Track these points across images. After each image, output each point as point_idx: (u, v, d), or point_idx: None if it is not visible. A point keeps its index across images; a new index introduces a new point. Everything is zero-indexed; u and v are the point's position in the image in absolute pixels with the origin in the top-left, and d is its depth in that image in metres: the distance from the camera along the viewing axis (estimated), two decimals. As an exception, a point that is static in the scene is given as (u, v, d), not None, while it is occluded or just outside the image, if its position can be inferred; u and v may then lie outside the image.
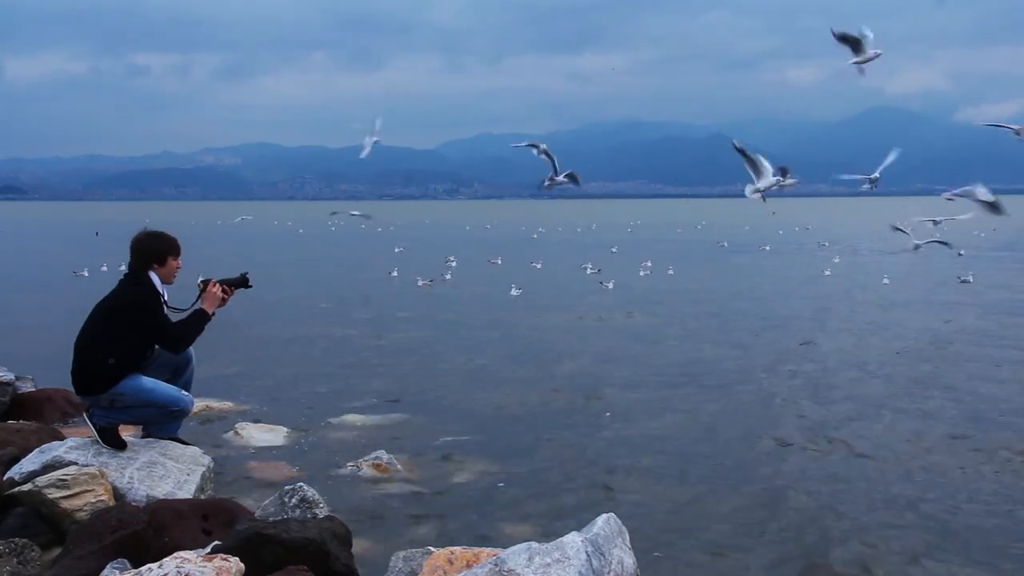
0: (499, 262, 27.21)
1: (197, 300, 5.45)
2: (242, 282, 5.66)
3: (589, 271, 23.43)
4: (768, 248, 34.59)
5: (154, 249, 5.35)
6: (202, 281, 5.47)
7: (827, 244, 36.73)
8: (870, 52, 5.64)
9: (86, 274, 22.72)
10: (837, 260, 27.09)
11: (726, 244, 37.43)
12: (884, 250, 33.02)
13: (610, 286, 19.79)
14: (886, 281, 20.14)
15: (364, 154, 8.25)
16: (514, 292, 18.56)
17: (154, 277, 5.29)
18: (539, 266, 25.55)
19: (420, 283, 20.44)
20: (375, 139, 8.16)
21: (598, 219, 74.12)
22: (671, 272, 23.56)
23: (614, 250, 32.49)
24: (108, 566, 3.84)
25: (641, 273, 23.50)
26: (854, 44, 5.68)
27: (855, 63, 5.74)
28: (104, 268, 23.28)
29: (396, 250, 33.14)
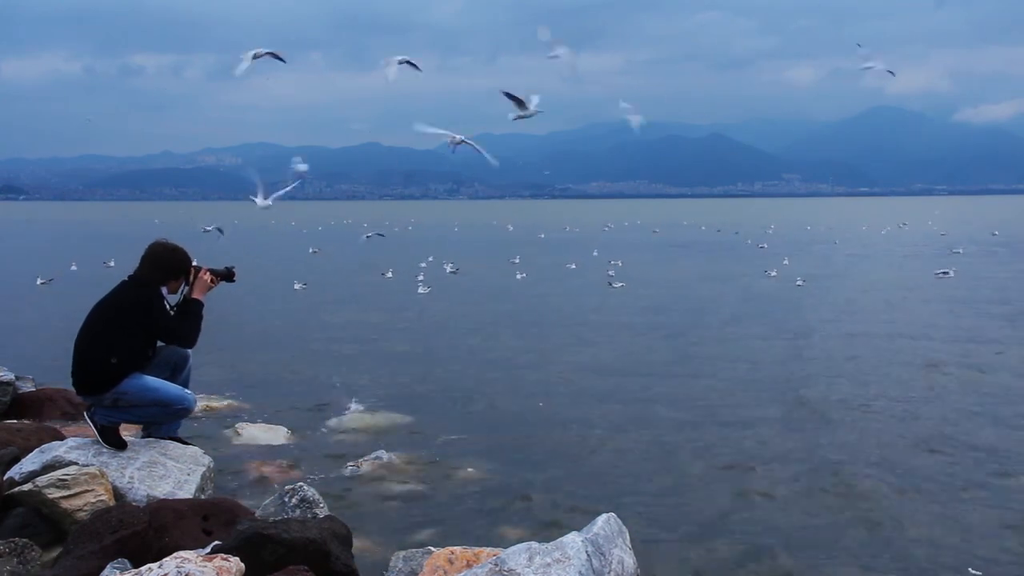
0: (517, 260, 27.27)
1: (185, 288, 5.44)
2: (227, 275, 5.67)
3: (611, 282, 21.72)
4: (765, 246, 34.83)
5: (171, 268, 5.36)
6: (192, 267, 5.46)
7: (837, 242, 37.83)
8: None
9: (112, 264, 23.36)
10: (786, 262, 26.14)
11: (765, 246, 35.45)
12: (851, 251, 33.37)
13: (617, 286, 19.77)
14: (799, 283, 19.98)
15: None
16: (422, 290, 18.72)
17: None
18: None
19: (297, 286, 19.76)
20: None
21: (613, 219, 73.87)
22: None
23: (595, 254, 31.47)
24: (108, 566, 3.83)
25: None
26: None
27: None
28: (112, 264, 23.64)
29: (311, 250, 32.83)
